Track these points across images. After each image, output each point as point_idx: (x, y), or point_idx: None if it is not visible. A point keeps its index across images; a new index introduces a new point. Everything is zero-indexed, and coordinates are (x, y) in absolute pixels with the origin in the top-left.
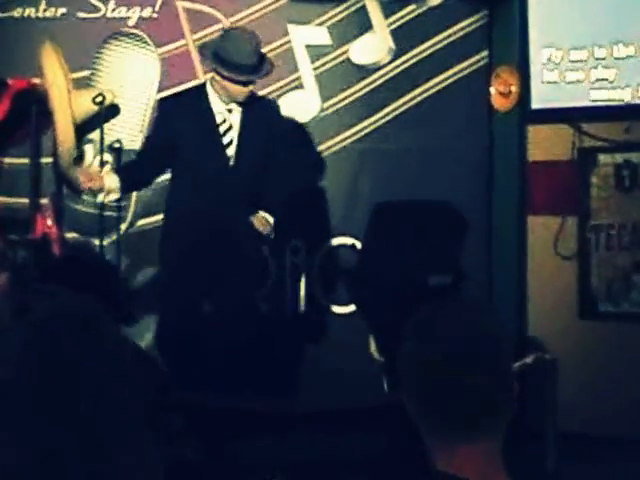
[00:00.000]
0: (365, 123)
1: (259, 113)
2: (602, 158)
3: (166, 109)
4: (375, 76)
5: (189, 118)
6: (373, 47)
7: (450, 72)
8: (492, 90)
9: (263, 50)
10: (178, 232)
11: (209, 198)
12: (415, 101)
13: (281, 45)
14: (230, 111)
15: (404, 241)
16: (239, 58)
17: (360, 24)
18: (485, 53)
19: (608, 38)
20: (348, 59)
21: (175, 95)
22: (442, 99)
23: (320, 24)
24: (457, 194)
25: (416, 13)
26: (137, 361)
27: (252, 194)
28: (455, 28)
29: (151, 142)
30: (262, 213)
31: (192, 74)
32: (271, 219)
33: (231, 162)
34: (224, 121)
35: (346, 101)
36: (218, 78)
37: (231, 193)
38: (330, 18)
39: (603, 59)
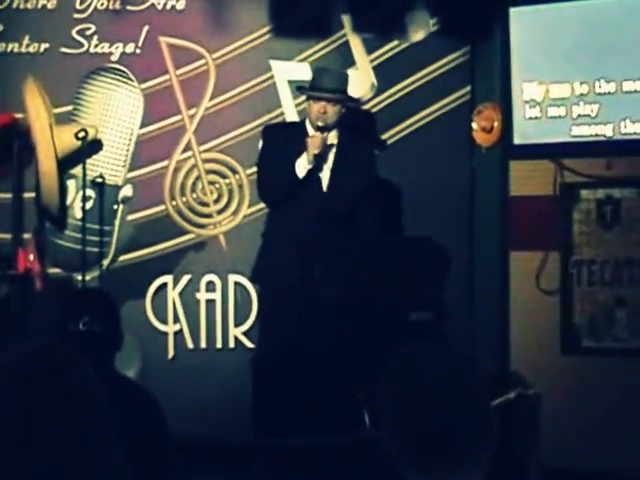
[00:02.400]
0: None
1: (349, 148)
2: (584, 193)
3: (273, 135)
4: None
5: (291, 144)
6: (355, 83)
7: (432, 108)
8: (474, 126)
9: (347, 87)
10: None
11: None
12: (397, 137)
13: (264, 81)
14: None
15: (385, 277)
16: (318, 79)
17: (343, 60)
18: (467, 89)
19: (590, 74)
20: None
21: (280, 124)
22: (424, 135)
23: (302, 60)
24: (439, 229)
25: (399, 49)
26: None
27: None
28: (437, 64)
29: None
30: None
31: (175, 109)
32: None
33: (324, 190)
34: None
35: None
36: (308, 107)
37: (324, 220)
38: (313, 54)
39: (585, 95)
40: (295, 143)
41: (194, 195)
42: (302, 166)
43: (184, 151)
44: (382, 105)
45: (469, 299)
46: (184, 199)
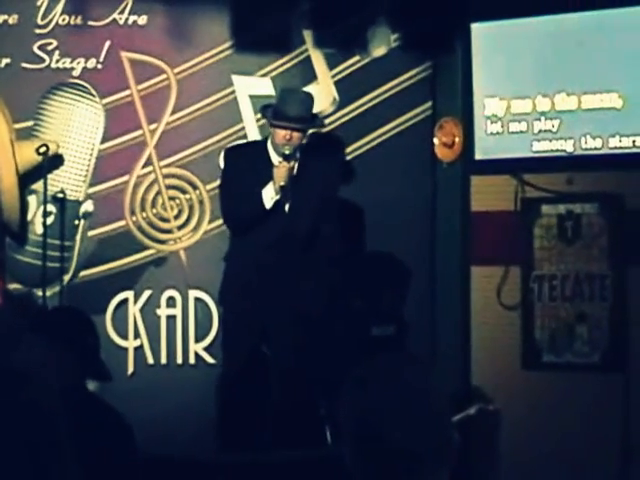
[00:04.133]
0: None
1: (311, 168)
2: (545, 209)
3: (235, 158)
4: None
5: (253, 168)
6: (317, 97)
7: (394, 123)
8: (436, 141)
9: (312, 111)
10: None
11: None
12: (359, 152)
13: (225, 96)
14: (283, 157)
15: (346, 292)
16: (283, 104)
17: (304, 75)
18: (429, 104)
19: (551, 89)
20: None
21: (241, 145)
22: (386, 150)
23: (264, 75)
24: (400, 244)
25: (360, 64)
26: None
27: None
28: (399, 79)
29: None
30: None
31: (136, 124)
32: (290, 164)
33: (285, 211)
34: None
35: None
36: (271, 130)
37: (286, 241)
38: (274, 69)
39: (546, 111)
40: (257, 166)
41: (154, 210)
42: (269, 197)
43: (145, 166)
44: (343, 120)
45: (430, 314)
46: (144, 214)
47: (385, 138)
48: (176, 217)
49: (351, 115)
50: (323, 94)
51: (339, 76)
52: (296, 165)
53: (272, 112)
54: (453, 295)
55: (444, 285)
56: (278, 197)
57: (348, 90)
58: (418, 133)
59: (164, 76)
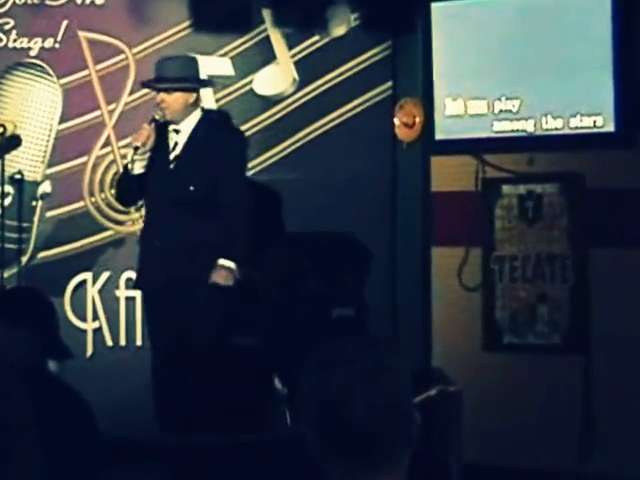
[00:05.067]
0: (268, 154)
1: (203, 134)
2: (505, 189)
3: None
4: (279, 107)
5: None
6: (277, 78)
7: (354, 103)
8: (396, 121)
9: (194, 73)
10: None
11: (154, 228)
12: (319, 132)
13: None
14: (177, 132)
15: (306, 274)
16: (158, 70)
17: (264, 55)
18: (389, 84)
19: (511, 69)
20: (251, 90)
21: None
22: (346, 130)
23: (223, 55)
24: (360, 225)
25: (320, 44)
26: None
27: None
28: (359, 59)
29: None
30: (223, 262)
31: (94, 104)
32: (233, 265)
33: (171, 181)
34: (172, 143)
35: (249, 132)
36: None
37: (171, 223)
38: (233, 49)
39: (506, 90)
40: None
41: (113, 191)
42: (131, 161)
43: (103, 147)
44: (303, 100)
45: (391, 295)
46: (103, 195)
47: (345, 118)
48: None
49: (311, 95)
50: (283, 74)
51: (299, 56)
52: (182, 137)
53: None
54: (414, 276)
55: (405, 266)
56: (137, 159)
57: (308, 70)
58: (378, 113)
59: (122, 56)
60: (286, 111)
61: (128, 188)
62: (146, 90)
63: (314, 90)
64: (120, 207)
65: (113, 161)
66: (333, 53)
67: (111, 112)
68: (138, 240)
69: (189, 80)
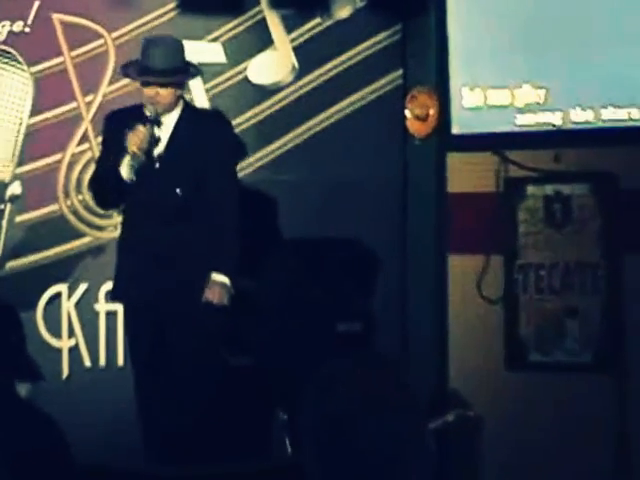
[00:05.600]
0: (264, 151)
1: (188, 127)
2: (530, 189)
3: (109, 125)
4: (276, 98)
5: (127, 127)
6: (274, 65)
7: (360, 94)
8: (407, 114)
9: (183, 60)
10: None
11: (137, 234)
12: (321, 126)
13: None
14: (159, 125)
15: (307, 284)
16: (145, 57)
17: (259, 40)
18: (399, 72)
19: (537, 54)
20: (246, 79)
21: (119, 110)
22: (351, 124)
23: (214, 40)
24: (367, 231)
25: (322, 27)
26: None
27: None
28: (365, 44)
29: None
30: (216, 277)
31: (70, 95)
32: (227, 281)
33: (155, 182)
34: (152, 136)
35: (243, 126)
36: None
37: (156, 229)
38: (225, 33)
39: (531, 80)
40: (130, 128)
41: (92, 193)
42: (126, 166)
43: (80, 143)
44: (303, 91)
45: (402, 308)
46: (80, 197)
47: (350, 111)
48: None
49: (312, 85)
50: (280, 61)
51: (298, 41)
52: (164, 132)
53: (136, 68)
54: (427, 287)
55: (417, 276)
56: (136, 165)
57: (308, 57)
58: (387, 105)
59: (101, 41)
60: (284, 103)
61: (115, 192)
62: (128, 80)
63: (315, 79)
64: (100, 211)
65: (92, 159)
66: (336, 37)
67: (89, 104)
68: (117, 247)
69: (184, 70)
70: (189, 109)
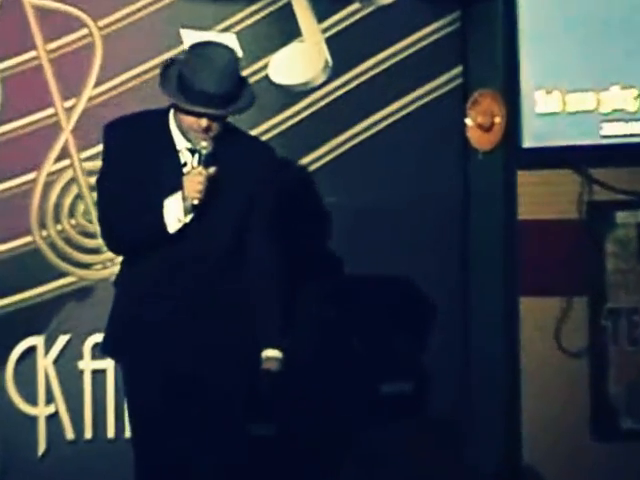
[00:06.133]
0: (289, 170)
1: (233, 162)
2: (620, 217)
3: (119, 139)
4: (304, 103)
5: (146, 158)
6: (301, 62)
7: (408, 98)
8: (468, 122)
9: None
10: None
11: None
12: (359, 139)
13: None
14: (193, 153)
15: (345, 334)
16: (196, 76)
17: (283, 29)
18: (457, 71)
19: (626, 50)
20: (266, 78)
21: (130, 119)
22: (397, 135)
23: (226, 29)
24: (420, 267)
25: (360, 15)
26: None
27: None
28: (415, 36)
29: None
30: (269, 353)
31: (46, 99)
32: (281, 354)
33: (194, 227)
34: (185, 164)
35: (266, 135)
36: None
37: (192, 272)
38: (240, 21)
39: (620, 81)
40: (154, 157)
41: (74, 221)
42: (175, 217)
43: (59, 159)
44: (337, 94)
45: (463, 364)
46: (59, 227)
47: (396, 119)
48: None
49: (348, 87)
50: (310, 57)
51: (332, 31)
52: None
53: (177, 82)
54: (494, 337)
55: (482, 323)
56: (188, 220)
57: (344, 52)
58: (443, 111)
59: (84, 31)
60: (314, 109)
61: (148, 242)
62: (118, 80)
63: (352, 80)
64: (87, 243)
65: (73, 179)
66: (379, 28)
67: (69, 110)
68: (121, 291)
69: (242, 96)
70: (229, 137)
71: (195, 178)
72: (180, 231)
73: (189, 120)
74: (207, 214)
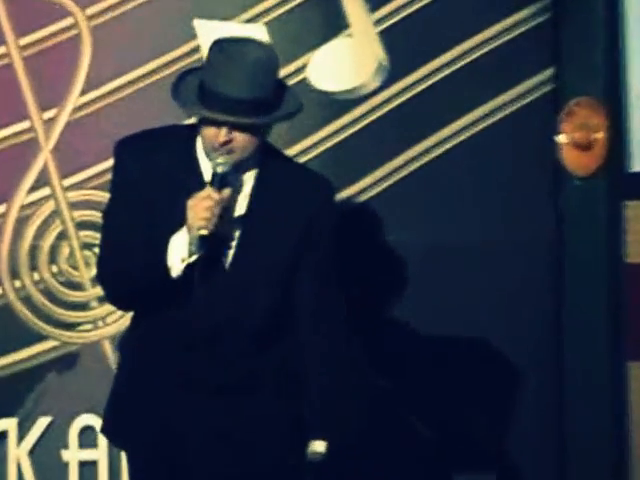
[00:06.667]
0: (339, 197)
1: (277, 192)
2: None
3: (130, 161)
4: (353, 115)
5: (170, 178)
6: (349, 62)
7: (484, 109)
8: (561, 138)
9: (269, 82)
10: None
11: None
12: (423, 160)
13: (181, 57)
14: (236, 187)
15: (408, 414)
16: (217, 78)
17: (325, 20)
18: (547, 73)
19: None
20: (305, 82)
21: (146, 137)
22: (470, 156)
23: (251, 20)
24: (502, 322)
25: (422, 3)
26: None
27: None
28: (492, 30)
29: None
30: (316, 448)
31: (19, 110)
32: (323, 447)
33: (221, 279)
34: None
35: (301, 158)
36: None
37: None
38: (270, 9)
39: None
40: (171, 183)
41: (55, 269)
42: (178, 256)
43: (35, 187)
44: (395, 103)
45: (558, 446)
46: (37, 276)
47: (469, 136)
48: (94, 280)
49: (408, 94)
50: (360, 55)
51: (387, 23)
52: (250, 188)
53: (198, 92)
54: (599, 411)
55: (579, 393)
56: (196, 256)
57: (404, 49)
58: (528, 125)
59: (69, 21)
60: (366, 122)
61: (153, 293)
62: (113, 84)
63: (414, 85)
64: (72, 297)
65: (55, 213)
66: (446, 20)
67: (49, 123)
68: (123, 353)
69: (279, 103)
70: (272, 162)
71: (202, 202)
72: (205, 289)
73: (209, 134)
74: (241, 266)
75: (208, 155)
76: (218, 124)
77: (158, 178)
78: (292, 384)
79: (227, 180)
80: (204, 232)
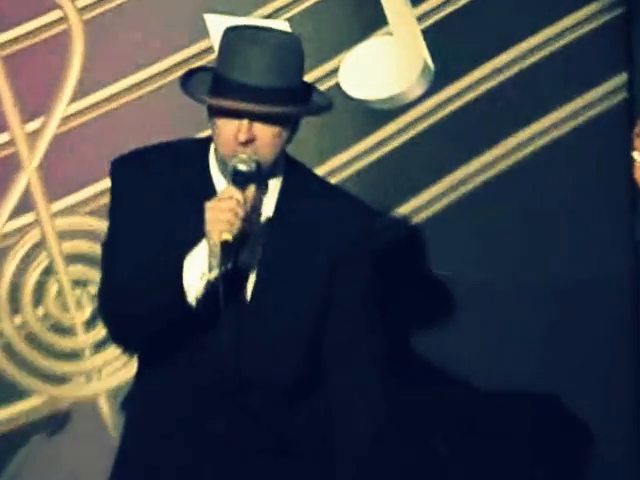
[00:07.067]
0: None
1: (307, 203)
2: None
3: (132, 181)
4: (393, 126)
5: (179, 199)
6: (388, 64)
7: (546, 121)
8: (637, 155)
9: (293, 71)
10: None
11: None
12: (474, 182)
13: (190, 57)
14: (262, 187)
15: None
16: (231, 67)
17: (359, 16)
18: (620, 80)
19: None
20: (337, 88)
21: (149, 152)
22: (529, 177)
23: (269, 16)
24: (573, 377)
25: None
26: None
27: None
28: (554, 28)
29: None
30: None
31: None
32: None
33: (247, 299)
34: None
35: (336, 177)
36: (212, 125)
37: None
38: (292, 3)
39: None
40: (181, 202)
41: (41, 311)
42: (196, 272)
43: (17, 213)
44: (443, 113)
45: None
46: (19, 320)
47: (527, 153)
48: (88, 324)
49: (459, 102)
50: (401, 57)
51: (433, 19)
52: (266, 203)
53: (212, 84)
54: None
55: None
56: (216, 275)
57: (453, 50)
58: (599, 139)
59: (57, 14)
60: (408, 135)
61: (165, 325)
62: (110, 90)
63: (466, 91)
64: (62, 345)
65: (40, 244)
66: (502, 17)
67: (33, 136)
68: (128, 412)
69: (307, 96)
70: (297, 179)
71: (223, 204)
72: (219, 315)
73: (226, 133)
74: (267, 298)
75: (225, 164)
76: (238, 116)
77: (165, 199)
78: (327, 442)
79: (250, 180)
80: (227, 236)
